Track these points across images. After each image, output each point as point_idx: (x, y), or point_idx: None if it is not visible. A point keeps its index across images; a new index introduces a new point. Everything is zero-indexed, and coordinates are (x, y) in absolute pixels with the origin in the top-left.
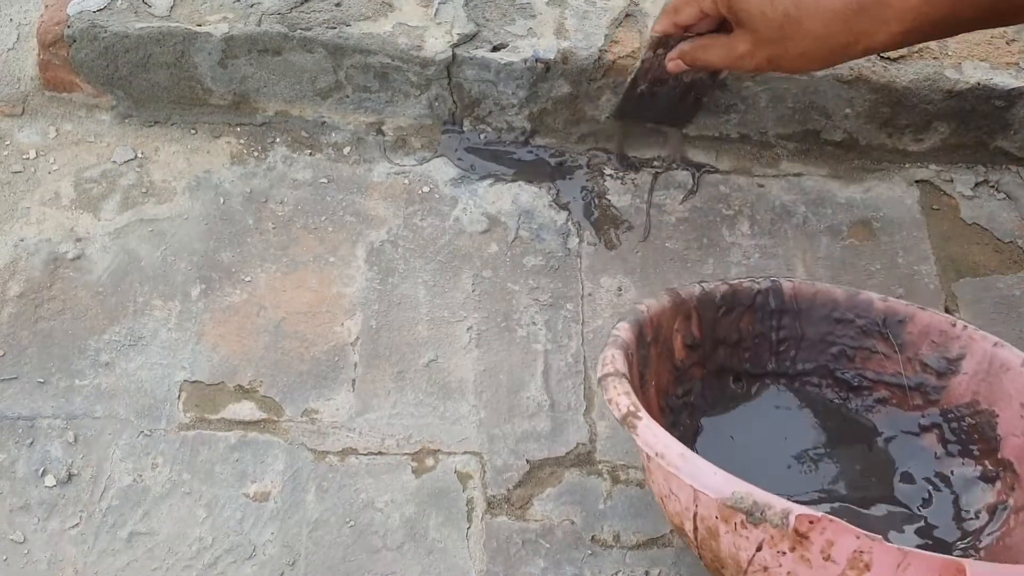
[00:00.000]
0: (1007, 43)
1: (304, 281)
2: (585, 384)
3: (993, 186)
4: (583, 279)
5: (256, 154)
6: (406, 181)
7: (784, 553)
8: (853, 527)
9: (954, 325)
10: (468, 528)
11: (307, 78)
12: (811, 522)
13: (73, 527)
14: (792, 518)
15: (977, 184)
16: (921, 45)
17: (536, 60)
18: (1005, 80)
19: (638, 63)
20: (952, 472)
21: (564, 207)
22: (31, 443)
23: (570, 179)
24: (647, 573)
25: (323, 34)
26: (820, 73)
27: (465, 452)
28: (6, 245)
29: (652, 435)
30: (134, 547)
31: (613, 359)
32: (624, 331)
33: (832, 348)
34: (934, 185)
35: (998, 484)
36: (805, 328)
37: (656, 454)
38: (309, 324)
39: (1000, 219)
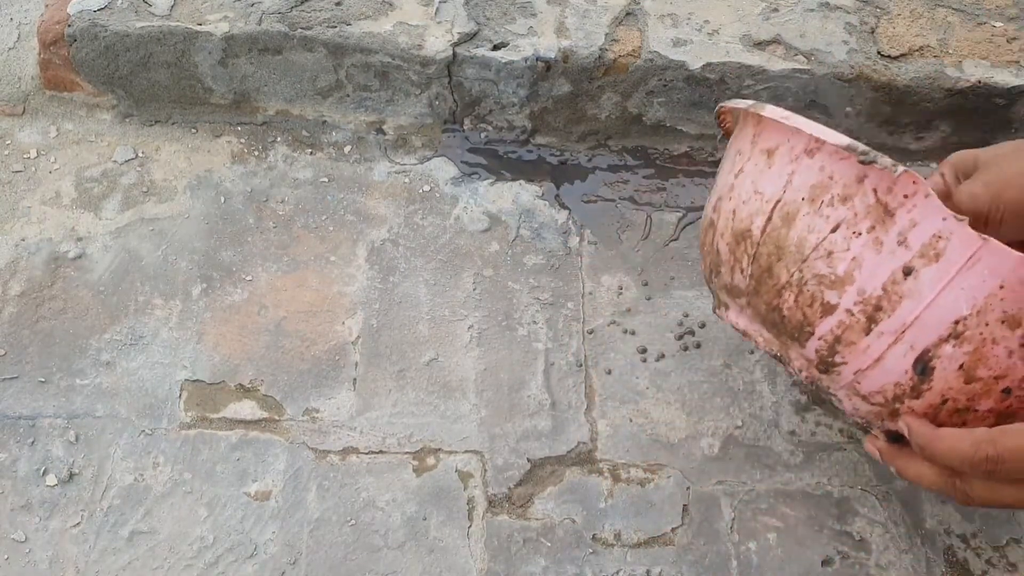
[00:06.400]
0: (1008, 41)
1: (305, 280)
2: (586, 383)
3: None
4: (584, 277)
5: (257, 153)
6: (407, 180)
7: (859, 234)
8: (944, 207)
9: None
10: (469, 527)
11: (307, 77)
12: (914, 181)
13: (74, 526)
14: (900, 169)
15: None
16: (921, 43)
17: (537, 59)
18: (1006, 78)
19: None
20: None
21: (564, 206)
22: (32, 442)
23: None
24: (648, 572)
25: (323, 33)
26: (820, 72)
27: (466, 451)
28: (7, 244)
29: (779, 111)
30: (135, 546)
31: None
32: None
33: None
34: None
35: None
36: None
37: (783, 116)
38: (310, 323)
39: None
